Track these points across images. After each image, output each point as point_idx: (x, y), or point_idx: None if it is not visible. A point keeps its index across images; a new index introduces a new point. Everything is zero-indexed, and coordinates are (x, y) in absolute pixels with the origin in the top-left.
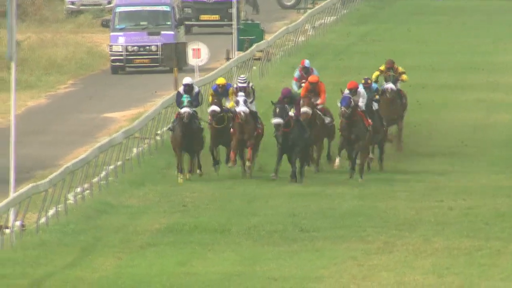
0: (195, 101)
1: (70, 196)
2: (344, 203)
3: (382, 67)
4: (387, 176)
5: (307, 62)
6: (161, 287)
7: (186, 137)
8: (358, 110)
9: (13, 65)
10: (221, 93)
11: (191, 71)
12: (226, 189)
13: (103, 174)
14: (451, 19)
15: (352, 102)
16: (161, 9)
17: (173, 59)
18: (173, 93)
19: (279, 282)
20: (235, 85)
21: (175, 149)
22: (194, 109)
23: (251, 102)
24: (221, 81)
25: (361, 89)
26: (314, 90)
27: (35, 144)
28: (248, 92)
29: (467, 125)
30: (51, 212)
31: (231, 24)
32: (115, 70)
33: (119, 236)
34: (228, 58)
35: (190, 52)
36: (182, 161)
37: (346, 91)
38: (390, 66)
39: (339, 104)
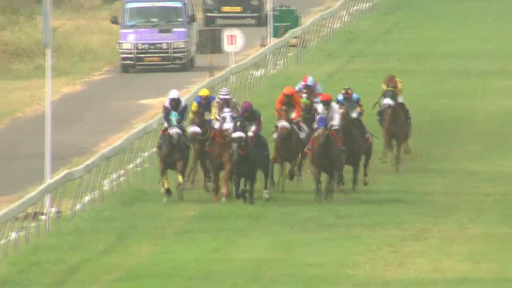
0: (181, 115)
1: (106, 183)
2: (380, 190)
3: (383, 86)
4: (422, 164)
5: (309, 80)
6: (196, 273)
7: (173, 155)
8: (333, 130)
9: (48, 52)
10: (204, 105)
11: (224, 57)
12: (261, 175)
13: (138, 161)
14: (486, 5)
15: (329, 123)
16: (173, 5)
17: (209, 45)
18: (207, 79)
19: (314, 268)
20: (217, 98)
21: (160, 167)
22: (180, 126)
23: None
24: (204, 92)
25: (334, 104)
26: (290, 103)
27: (70, 130)
28: (232, 106)
29: (500, 112)
30: (86, 198)
31: (255, 16)
32: (125, 68)
33: (154, 223)
34: (263, 45)
35: (225, 39)
36: (166, 179)
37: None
38: (390, 80)
39: (315, 125)
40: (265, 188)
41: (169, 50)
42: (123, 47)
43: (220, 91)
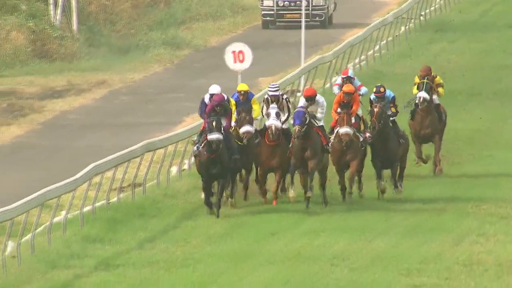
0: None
1: (350, 65)
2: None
3: (416, 78)
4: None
5: (350, 72)
6: None
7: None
8: (315, 127)
9: None
10: (243, 102)
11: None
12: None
13: (376, 47)
14: None
15: (307, 118)
16: None
17: None
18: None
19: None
20: (266, 95)
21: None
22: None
23: (284, 121)
24: (243, 87)
25: (319, 97)
26: (349, 103)
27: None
28: (282, 104)
29: None
30: (334, 79)
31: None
32: (265, 24)
33: None
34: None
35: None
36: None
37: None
38: (426, 74)
39: (291, 121)
40: (231, 197)
41: (309, 7)
42: (264, 4)
43: (269, 87)
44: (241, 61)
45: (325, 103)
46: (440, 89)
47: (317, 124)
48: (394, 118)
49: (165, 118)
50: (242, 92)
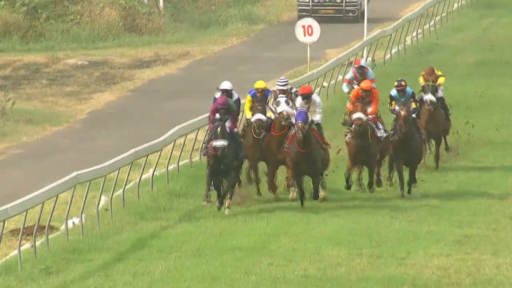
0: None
1: (408, 39)
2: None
3: (421, 79)
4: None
5: (363, 62)
6: None
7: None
8: (313, 127)
9: None
10: (259, 99)
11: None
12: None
13: (432, 22)
14: None
15: (309, 118)
16: None
17: None
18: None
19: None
20: (274, 88)
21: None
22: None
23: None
24: (260, 85)
25: (316, 96)
26: (367, 98)
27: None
28: (290, 98)
29: None
30: (393, 50)
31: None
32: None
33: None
34: None
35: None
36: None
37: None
38: (429, 76)
39: (293, 120)
40: (228, 200)
41: (343, 3)
42: (300, 0)
43: (277, 81)
44: (310, 35)
45: (321, 103)
46: (440, 79)
47: (314, 126)
48: (414, 113)
49: (241, 86)
50: (259, 89)
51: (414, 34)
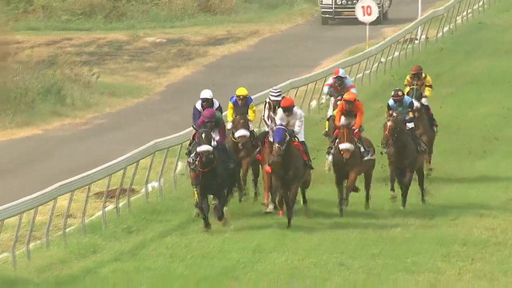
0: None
1: (459, 18)
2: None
3: (408, 78)
4: None
5: (341, 72)
6: None
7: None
8: (295, 141)
9: None
10: (241, 106)
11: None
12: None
13: (480, 3)
14: None
15: (287, 136)
16: None
17: None
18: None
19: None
20: (267, 99)
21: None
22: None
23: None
24: (242, 92)
25: (297, 109)
26: (351, 111)
27: None
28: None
29: None
30: (445, 29)
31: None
32: (325, 21)
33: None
34: None
35: (359, 10)
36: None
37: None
38: (416, 73)
39: (270, 139)
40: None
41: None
42: (324, 2)
43: (270, 92)
44: (369, 14)
45: (303, 116)
46: (427, 91)
47: (298, 139)
48: (412, 123)
49: (305, 62)
50: (241, 96)
51: (464, 13)
